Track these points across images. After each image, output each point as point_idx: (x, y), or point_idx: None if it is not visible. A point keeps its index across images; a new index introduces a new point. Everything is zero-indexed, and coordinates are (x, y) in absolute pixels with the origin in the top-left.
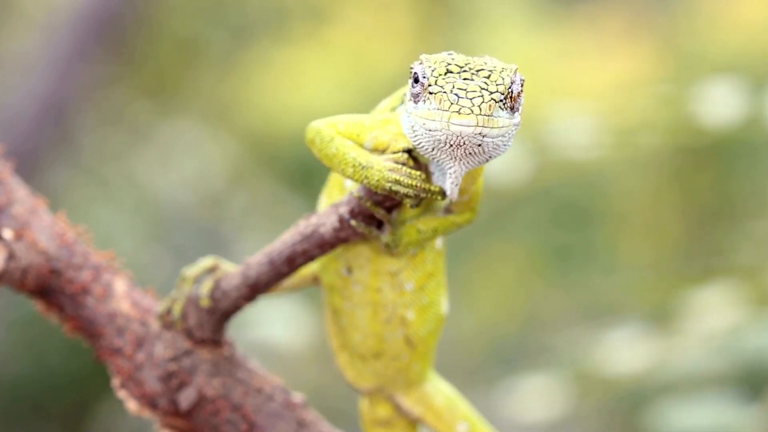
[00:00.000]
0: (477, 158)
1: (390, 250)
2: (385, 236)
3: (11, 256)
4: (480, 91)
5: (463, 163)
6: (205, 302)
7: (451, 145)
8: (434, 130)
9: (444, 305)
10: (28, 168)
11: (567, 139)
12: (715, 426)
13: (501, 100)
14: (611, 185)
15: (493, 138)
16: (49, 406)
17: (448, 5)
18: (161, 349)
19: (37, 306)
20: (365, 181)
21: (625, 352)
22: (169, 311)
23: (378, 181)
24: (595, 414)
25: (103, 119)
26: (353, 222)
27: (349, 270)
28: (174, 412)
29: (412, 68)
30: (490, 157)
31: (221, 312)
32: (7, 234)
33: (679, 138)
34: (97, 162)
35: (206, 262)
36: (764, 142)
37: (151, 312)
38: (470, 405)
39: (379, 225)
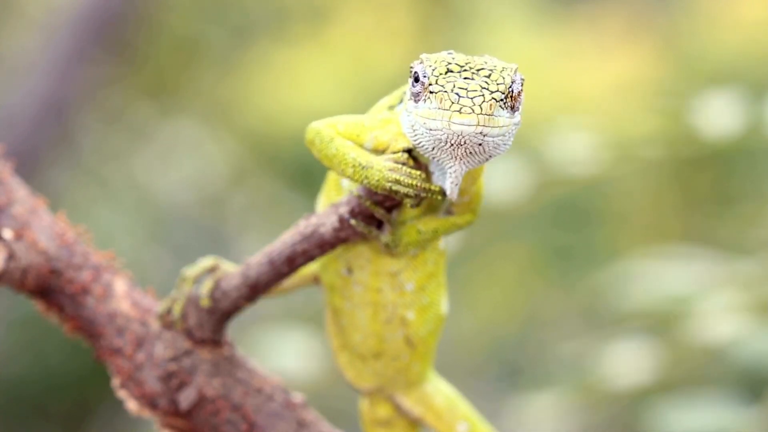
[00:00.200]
0: (477, 157)
1: (390, 250)
2: (385, 236)
3: (11, 256)
4: (481, 91)
5: (464, 162)
6: (205, 302)
7: (452, 145)
8: (435, 130)
9: (444, 305)
10: (28, 168)
11: (567, 156)
12: (715, 428)
13: (502, 100)
14: (611, 185)
15: (493, 137)
16: (50, 406)
17: (448, 5)
18: (161, 349)
19: (37, 306)
20: (365, 182)
21: (629, 364)
22: (169, 311)
23: (378, 181)
24: (596, 418)
25: (103, 119)
26: (353, 222)
27: (350, 270)
28: (174, 412)
29: (412, 67)
30: (490, 156)
31: (221, 312)
32: (7, 234)
33: (679, 150)
34: (97, 162)
35: (206, 262)
36: (764, 150)
37: (151, 312)
38: (470, 405)
39: (379, 225)
